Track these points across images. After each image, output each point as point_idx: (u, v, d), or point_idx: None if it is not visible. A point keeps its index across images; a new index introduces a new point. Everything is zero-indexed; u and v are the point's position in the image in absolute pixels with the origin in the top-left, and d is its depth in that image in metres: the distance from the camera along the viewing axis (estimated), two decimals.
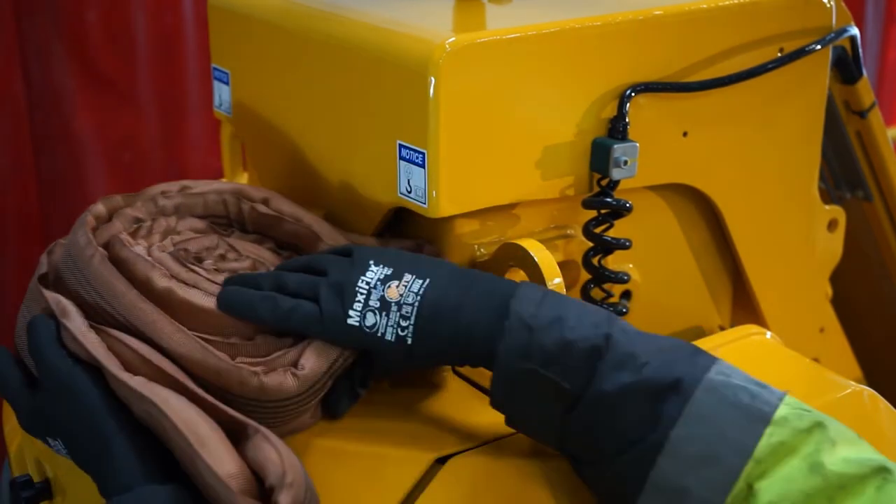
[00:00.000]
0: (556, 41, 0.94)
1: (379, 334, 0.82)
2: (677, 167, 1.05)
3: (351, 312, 0.83)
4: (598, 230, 0.99)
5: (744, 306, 1.17)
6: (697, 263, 1.13)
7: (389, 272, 0.85)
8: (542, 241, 0.93)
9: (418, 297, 0.83)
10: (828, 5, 1.09)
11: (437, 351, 0.83)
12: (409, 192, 0.93)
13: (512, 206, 0.98)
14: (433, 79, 0.88)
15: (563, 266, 0.99)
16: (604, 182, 0.98)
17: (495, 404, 0.83)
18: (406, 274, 0.84)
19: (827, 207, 1.20)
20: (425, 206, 0.92)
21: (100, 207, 0.94)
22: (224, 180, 0.99)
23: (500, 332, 0.80)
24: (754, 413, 0.75)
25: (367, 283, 0.84)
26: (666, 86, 1.00)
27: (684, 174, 1.06)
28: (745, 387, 0.77)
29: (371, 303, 0.83)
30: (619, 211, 0.99)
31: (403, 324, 0.82)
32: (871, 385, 1.00)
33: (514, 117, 0.93)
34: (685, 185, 1.07)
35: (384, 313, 0.83)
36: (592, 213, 0.99)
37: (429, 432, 0.89)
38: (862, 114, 1.27)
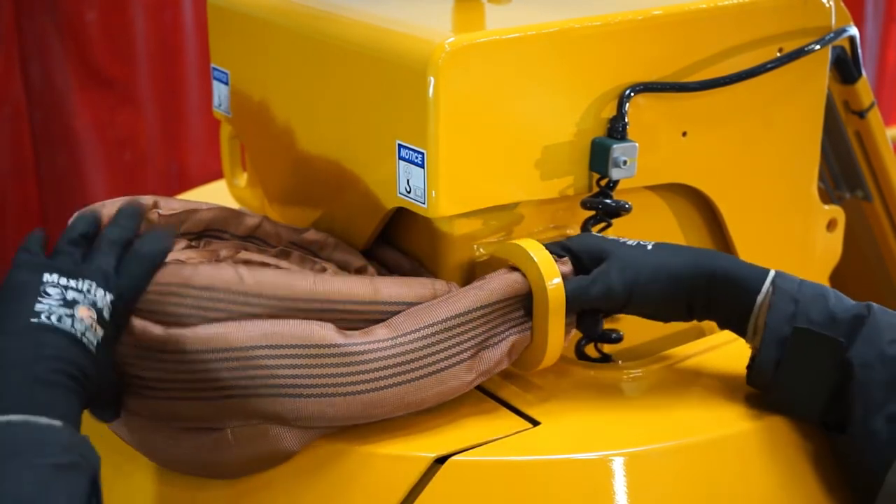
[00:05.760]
0: (555, 41, 0.94)
1: (629, 244, 0.93)
2: (677, 167, 1.05)
3: (621, 240, 0.95)
4: (596, 230, 0.99)
5: None
6: None
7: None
8: (541, 241, 0.93)
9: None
10: (827, 5, 1.09)
11: (677, 271, 0.91)
12: (409, 192, 0.94)
13: (512, 206, 0.98)
14: (433, 79, 0.88)
15: None
16: (603, 182, 0.99)
17: (758, 375, 0.90)
18: None
19: (826, 207, 1.19)
20: (425, 206, 0.92)
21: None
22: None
23: (757, 292, 0.89)
24: None
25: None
26: (665, 86, 1.00)
27: (684, 174, 1.06)
28: None
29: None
30: (618, 211, 0.99)
31: (649, 245, 0.93)
32: None
33: (514, 117, 0.93)
34: (684, 185, 1.07)
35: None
36: (592, 213, 0.99)
37: (429, 432, 0.89)
38: (861, 114, 1.27)
